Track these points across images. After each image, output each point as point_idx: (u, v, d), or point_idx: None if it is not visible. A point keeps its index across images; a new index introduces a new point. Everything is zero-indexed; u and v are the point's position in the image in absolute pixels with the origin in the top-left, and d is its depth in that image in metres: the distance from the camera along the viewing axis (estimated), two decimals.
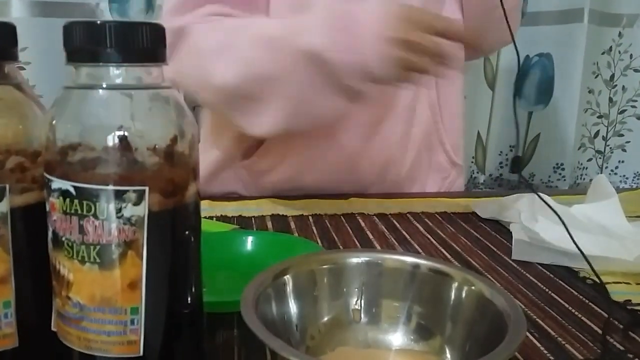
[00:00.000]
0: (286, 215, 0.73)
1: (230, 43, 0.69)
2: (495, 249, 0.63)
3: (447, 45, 0.61)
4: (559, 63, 1.34)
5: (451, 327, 0.39)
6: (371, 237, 0.66)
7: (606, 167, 1.49)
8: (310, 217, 0.72)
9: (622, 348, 0.43)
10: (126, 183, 0.29)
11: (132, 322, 0.30)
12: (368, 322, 0.41)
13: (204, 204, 0.74)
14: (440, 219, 0.74)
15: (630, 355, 0.42)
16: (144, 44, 0.29)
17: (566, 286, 0.54)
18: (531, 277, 0.56)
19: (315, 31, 0.64)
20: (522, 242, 0.61)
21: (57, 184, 0.29)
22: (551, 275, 0.56)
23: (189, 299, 0.33)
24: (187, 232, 0.32)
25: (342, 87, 0.64)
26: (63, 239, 0.30)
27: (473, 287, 0.39)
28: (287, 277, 0.40)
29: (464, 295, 0.39)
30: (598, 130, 1.44)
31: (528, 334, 0.45)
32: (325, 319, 0.41)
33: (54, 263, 0.31)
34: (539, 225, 0.61)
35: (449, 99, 0.91)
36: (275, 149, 0.83)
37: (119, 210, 0.29)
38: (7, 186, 0.32)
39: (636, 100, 1.42)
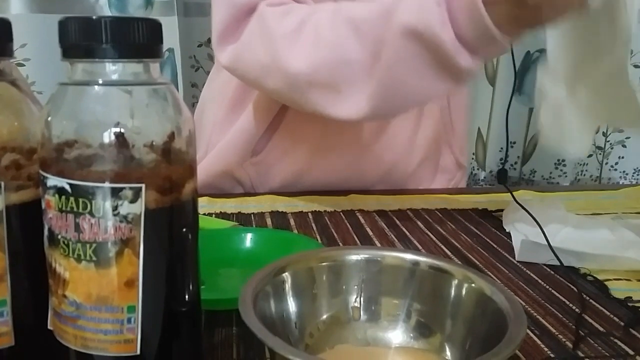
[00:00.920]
0: (286, 212, 0.73)
1: (308, 28, 0.65)
2: (495, 246, 0.63)
3: None
4: None
5: (451, 325, 0.39)
6: (371, 233, 0.66)
7: (606, 163, 1.48)
8: (309, 214, 0.72)
9: (623, 346, 0.43)
10: (123, 180, 0.29)
11: (129, 320, 0.30)
12: (367, 319, 0.41)
13: (203, 201, 0.74)
14: (440, 215, 0.73)
15: (632, 353, 0.42)
16: (140, 39, 0.29)
17: (567, 283, 0.54)
18: (531, 274, 0.56)
19: (411, 9, 0.57)
20: (528, 243, 0.59)
21: (53, 181, 0.29)
22: (551, 272, 0.56)
23: (187, 297, 0.33)
24: (184, 230, 0.32)
25: (449, 65, 0.57)
26: (59, 236, 0.29)
27: (473, 285, 0.39)
28: (286, 275, 0.40)
29: (464, 292, 0.39)
30: (598, 126, 1.44)
31: (528, 331, 0.45)
32: (325, 316, 0.41)
33: (50, 261, 0.31)
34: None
35: (458, 101, 0.90)
36: (282, 145, 0.83)
37: (115, 208, 0.28)
38: (3, 183, 0.32)
39: None
